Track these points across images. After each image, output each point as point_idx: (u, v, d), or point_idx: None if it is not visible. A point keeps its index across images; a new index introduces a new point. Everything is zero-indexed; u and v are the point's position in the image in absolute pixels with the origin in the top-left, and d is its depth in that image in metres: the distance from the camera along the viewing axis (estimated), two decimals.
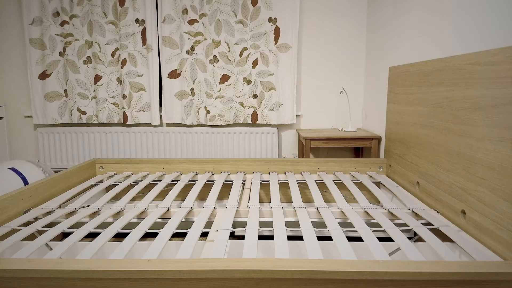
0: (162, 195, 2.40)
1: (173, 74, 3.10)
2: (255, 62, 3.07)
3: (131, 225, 1.91)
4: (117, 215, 1.69)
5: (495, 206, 1.30)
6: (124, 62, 3.07)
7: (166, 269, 1.05)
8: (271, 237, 1.89)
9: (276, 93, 3.10)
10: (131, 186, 2.43)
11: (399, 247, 1.48)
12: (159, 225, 1.89)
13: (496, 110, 1.29)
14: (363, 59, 3.14)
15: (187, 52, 3.06)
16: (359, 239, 1.82)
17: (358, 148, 3.15)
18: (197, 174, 2.35)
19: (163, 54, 3.07)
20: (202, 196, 2.23)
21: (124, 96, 3.11)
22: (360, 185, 2.31)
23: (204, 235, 1.45)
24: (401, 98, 2.15)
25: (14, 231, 1.52)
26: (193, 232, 1.41)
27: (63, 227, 1.48)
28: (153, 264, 1.08)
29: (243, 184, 2.19)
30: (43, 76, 3.07)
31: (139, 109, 3.17)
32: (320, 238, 1.84)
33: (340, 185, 2.31)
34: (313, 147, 3.17)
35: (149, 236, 1.45)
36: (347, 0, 3.07)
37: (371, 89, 2.95)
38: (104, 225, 1.92)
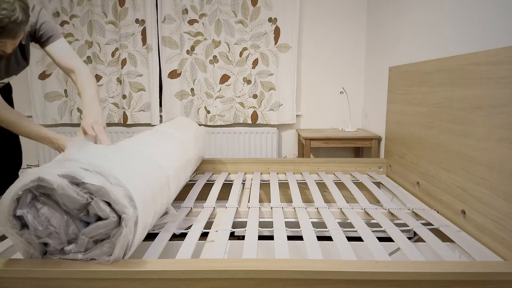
0: None
1: (173, 74, 3.10)
2: (255, 62, 3.07)
3: None
4: None
5: (495, 206, 1.30)
6: (124, 62, 3.07)
7: (166, 269, 1.05)
8: (271, 237, 1.89)
9: (276, 93, 3.10)
10: None
11: (399, 247, 1.48)
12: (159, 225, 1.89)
13: (496, 110, 1.29)
14: (363, 59, 3.15)
15: (187, 52, 3.06)
16: (359, 239, 1.82)
17: (358, 148, 3.15)
18: (196, 174, 2.35)
19: (163, 54, 3.07)
20: (202, 196, 2.23)
21: (124, 96, 3.12)
22: (360, 185, 2.31)
23: (204, 235, 1.45)
24: (401, 98, 2.15)
25: None
26: (193, 232, 1.41)
27: None
28: (153, 264, 1.08)
29: (243, 184, 2.19)
30: (43, 76, 3.07)
31: (139, 109, 3.17)
32: (320, 238, 1.84)
33: (340, 185, 2.31)
34: (313, 147, 3.17)
35: (149, 236, 1.46)
36: (347, 0, 3.07)
37: (371, 89, 2.95)
38: None
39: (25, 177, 1.02)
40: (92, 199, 1.03)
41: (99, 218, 1.06)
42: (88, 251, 1.08)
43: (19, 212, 1.02)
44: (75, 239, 1.08)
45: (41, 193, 1.04)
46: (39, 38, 1.53)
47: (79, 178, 1.03)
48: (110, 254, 1.07)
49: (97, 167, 1.08)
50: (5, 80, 1.59)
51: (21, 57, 1.54)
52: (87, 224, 1.09)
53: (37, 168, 1.06)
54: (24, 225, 1.05)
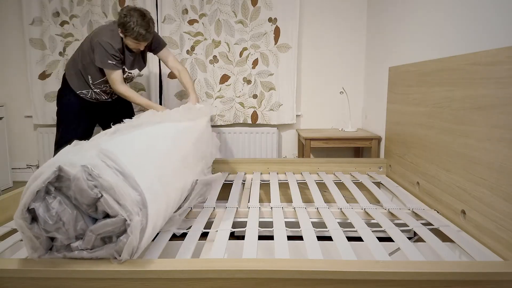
0: None
1: (173, 74, 3.10)
2: (255, 62, 3.07)
3: None
4: None
5: (495, 206, 1.30)
6: None
7: (166, 269, 1.05)
8: (271, 237, 1.89)
9: (276, 93, 3.10)
10: None
11: (399, 247, 1.48)
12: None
13: (496, 110, 1.29)
14: (363, 59, 3.14)
15: (187, 52, 3.06)
16: (359, 239, 1.82)
17: (358, 148, 3.15)
18: None
19: None
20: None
21: None
22: (360, 185, 2.31)
23: (204, 235, 1.45)
24: (401, 98, 2.15)
25: (14, 231, 1.53)
26: (193, 232, 1.41)
27: None
28: (153, 264, 1.08)
29: (243, 184, 2.19)
30: (43, 76, 3.07)
31: (139, 109, 3.17)
32: (320, 238, 1.84)
33: (340, 185, 2.31)
34: (313, 147, 3.17)
35: None
36: (347, 0, 3.07)
37: (371, 89, 2.95)
38: None
39: (48, 169, 1.02)
40: (102, 195, 1.03)
41: (107, 216, 1.06)
42: (94, 249, 1.08)
43: (32, 205, 1.02)
44: (83, 235, 1.08)
45: (55, 187, 1.04)
46: (153, 48, 2.38)
47: (96, 172, 1.03)
48: (119, 254, 1.08)
49: (120, 165, 1.08)
50: (131, 71, 2.36)
51: (142, 58, 2.40)
52: (96, 221, 1.09)
53: (60, 154, 1.06)
54: (33, 218, 1.05)
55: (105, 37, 2.17)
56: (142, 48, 2.23)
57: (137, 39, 2.12)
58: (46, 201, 1.03)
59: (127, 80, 2.40)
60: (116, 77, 2.23)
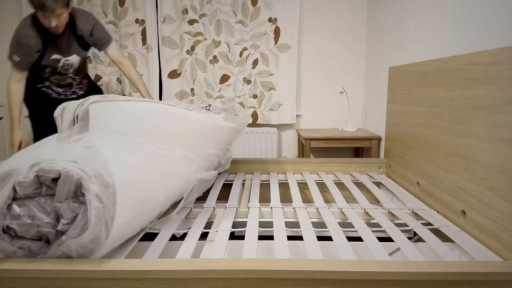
0: None
1: (173, 74, 3.10)
2: (255, 62, 3.07)
3: None
4: None
5: (495, 206, 1.30)
6: None
7: (166, 269, 1.05)
8: (271, 237, 1.89)
9: (276, 93, 3.10)
10: None
11: (399, 247, 1.48)
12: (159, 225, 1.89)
13: (496, 110, 1.29)
14: (363, 59, 3.14)
15: (187, 52, 3.06)
16: (359, 239, 1.82)
17: (358, 148, 3.15)
18: None
19: (163, 54, 3.06)
20: (202, 196, 2.23)
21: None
22: (360, 185, 2.31)
23: (204, 235, 1.45)
24: (401, 98, 2.15)
25: None
26: (193, 232, 1.41)
27: None
28: (153, 264, 1.08)
29: (243, 184, 2.19)
30: None
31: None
32: (320, 238, 1.84)
33: (340, 185, 2.31)
34: (313, 147, 3.17)
35: (149, 236, 1.46)
36: (347, 0, 3.07)
37: (371, 89, 2.95)
38: None
39: (6, 188, 1.03)
40: (37, 169, 1.04)
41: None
42: (75, 224, 1.06)
43: (3, 225, 1.03)
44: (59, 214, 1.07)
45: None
46: (95, 43, 2.19)
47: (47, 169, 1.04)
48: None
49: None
50: (68, 58, 2.19)
51: (77, 43, 2.17)
52: None
53: (14, 166, 1.07)
54: (7, 233, 1.06)
55: (19, 26, 2.00)
56: (53, 24, 1.92)
57: (39, 8, 1.83)
58: (10, 213, 1.04)
59: (66, 69, 2.22)
60: (14, 75, 2.05)
